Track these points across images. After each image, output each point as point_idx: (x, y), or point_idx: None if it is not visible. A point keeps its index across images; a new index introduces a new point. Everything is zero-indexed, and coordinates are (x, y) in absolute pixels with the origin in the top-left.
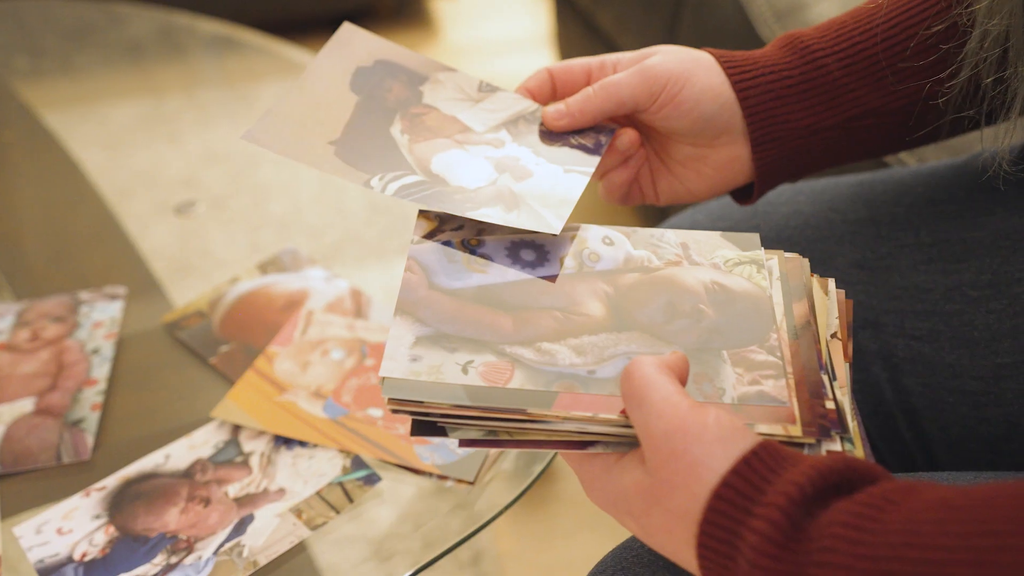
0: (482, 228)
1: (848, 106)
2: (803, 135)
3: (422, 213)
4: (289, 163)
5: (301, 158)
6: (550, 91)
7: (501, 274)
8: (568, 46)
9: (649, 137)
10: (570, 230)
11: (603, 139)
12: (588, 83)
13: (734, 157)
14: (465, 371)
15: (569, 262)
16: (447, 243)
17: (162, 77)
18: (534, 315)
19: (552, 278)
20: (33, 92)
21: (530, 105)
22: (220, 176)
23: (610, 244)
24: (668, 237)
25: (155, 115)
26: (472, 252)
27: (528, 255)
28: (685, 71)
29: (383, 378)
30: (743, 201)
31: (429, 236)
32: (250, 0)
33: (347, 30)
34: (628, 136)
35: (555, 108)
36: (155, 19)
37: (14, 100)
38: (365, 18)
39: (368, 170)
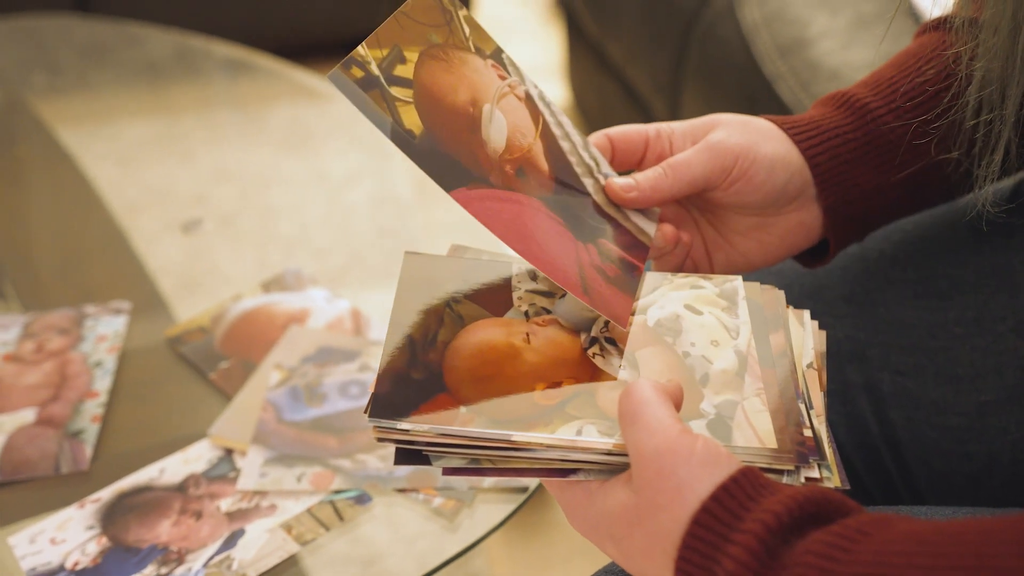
0: (322, 373)
1: (916, 162)
2: (872, 195)
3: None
4: (298, 184)
5: (258, 440)
6: (611, 156)
7: (333, 406)
8: (578, 76)
9: (706, 210)
10: None
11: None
12: (645, 150)
13: (800, 223)
14: (299, 480)
15: None
16: (294, 387)
17: (176, 97)
18: (355, 434)
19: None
20: (49, 108)
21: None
22: (229, 194)
23: None
24: None
25: (168, 133)
26: (312, 392)
27: (355, 390)
28: (752, 143)
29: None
30: (811, 264)
31: (283, 383)
32: (265, 24)
33: (294, 331)
34: (664, 233)
35: (624, 182)
36: (172, 41)
37: (30, 116)
38: None
39: None
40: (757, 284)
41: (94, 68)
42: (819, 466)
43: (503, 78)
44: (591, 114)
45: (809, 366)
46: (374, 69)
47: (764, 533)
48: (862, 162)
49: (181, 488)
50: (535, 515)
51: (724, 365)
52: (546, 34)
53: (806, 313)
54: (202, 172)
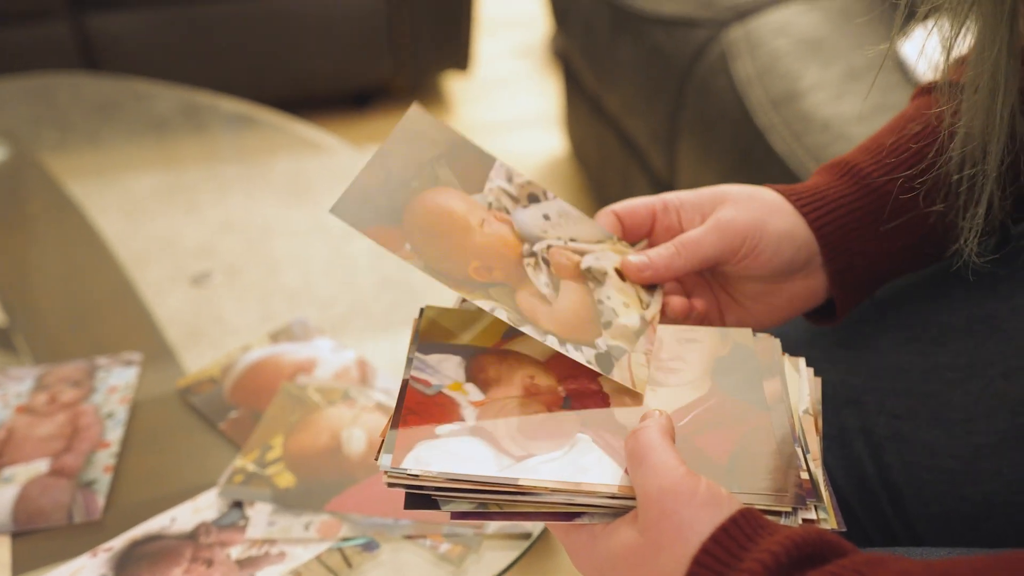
0: None
1: (916, 225)
2: (875, 260)
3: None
4: (301, 235)
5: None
6: (620, 232)
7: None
8: (576, 127)
9: (718, 275)
10: None
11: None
12: (653, 223)
13: (808, 287)
14: (307, 528)
15: None
16: None
17: (183, 151)
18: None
19: None
20: (59, 164)
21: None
22: (235, 245)
23: None
24: None
25: (175, 186)
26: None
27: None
28: (760, 221)
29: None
30: (818, 323)
31: None
32: (268, 80)
33: (301, 381)
34: (674, 307)
35: (638, 260)
36: (179, 97)
37: (41, 171)
38: (379, 97)
39: None
40: (749, 331)
41: (103, 124)
42: (816, 508)
43: None
44: (589, 163)
45: (805, 412)
46: (251, 467)
47: (762, 573)
48: (867, 230)
49: (192, 536)
50: (540, 561)
51: (627, 322)
52: (545, 86)
53: (801, 360)
54: (208, 224)
